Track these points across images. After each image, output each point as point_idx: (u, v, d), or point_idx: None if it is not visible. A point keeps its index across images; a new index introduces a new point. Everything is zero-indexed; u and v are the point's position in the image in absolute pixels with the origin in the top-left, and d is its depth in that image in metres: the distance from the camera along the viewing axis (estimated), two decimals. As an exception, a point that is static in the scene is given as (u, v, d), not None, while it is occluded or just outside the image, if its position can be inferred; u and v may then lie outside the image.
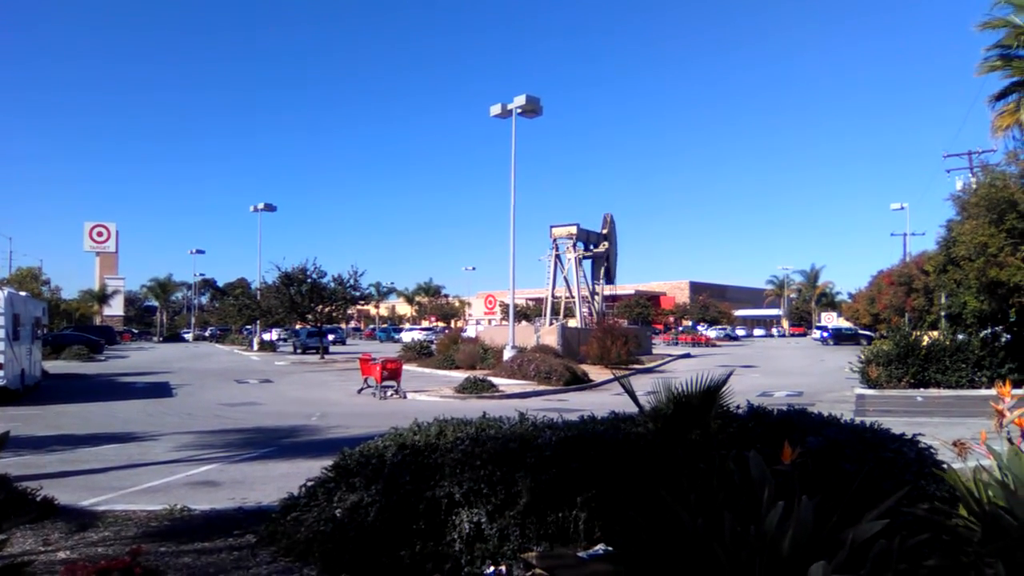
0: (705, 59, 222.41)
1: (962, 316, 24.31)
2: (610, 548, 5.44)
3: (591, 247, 50.28)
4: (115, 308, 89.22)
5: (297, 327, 57.01)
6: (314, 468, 7.36)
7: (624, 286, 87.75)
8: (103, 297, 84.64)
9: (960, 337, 24.73)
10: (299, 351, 53.64)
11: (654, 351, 50.53)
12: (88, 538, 6.79)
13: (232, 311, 63.81)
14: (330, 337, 59.39)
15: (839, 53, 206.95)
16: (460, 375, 28.12)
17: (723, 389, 5.71)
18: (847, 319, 76.31)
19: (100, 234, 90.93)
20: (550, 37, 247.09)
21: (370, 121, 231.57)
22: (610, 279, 52.97)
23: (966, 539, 3.86)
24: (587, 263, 51.30)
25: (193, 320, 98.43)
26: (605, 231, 51.66)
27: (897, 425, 6.57)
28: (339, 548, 5.70)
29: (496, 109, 31.25)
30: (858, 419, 6.44)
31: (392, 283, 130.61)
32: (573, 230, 47.81)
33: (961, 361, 23.41)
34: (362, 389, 24.41)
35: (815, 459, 4.99)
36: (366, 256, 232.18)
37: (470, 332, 51.84)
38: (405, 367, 26.76)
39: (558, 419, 7.03)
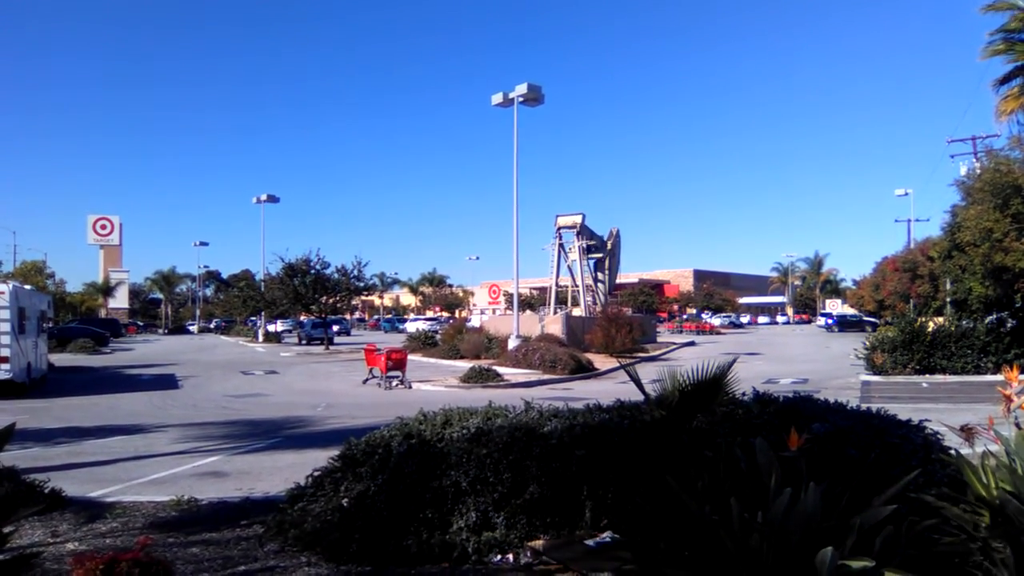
0: (708, 47, 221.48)
1: (967, 302, 24.21)
2: (617, 536, 5.45)
3: (594, 247, 49.95)
4: (120, 301, 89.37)
5: (302, 318, 57.02)
6: (320, 458, 7.37)
7: (628, 275, 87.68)
8: (107, 290, 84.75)
9: (965, 323, 24.65)
10: (304, 342, 53.69)
11: (658, 339, 50.49)
12: (96, 529, 6.83)
13: (236, 303, 63.87)
14: (335, 328, 59.40)
15: (843, 40, 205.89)
16: (465, 364, 28.13)
17: (728, 376, 5.70)
18: (852, 306, 76.14)
19: (104, 227, 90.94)
20: (554, 28, 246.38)
21: (372, 112, 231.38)
22: (609, 291, 52.49)
23: (974, 524, 3.86)
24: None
25: (198, 312, 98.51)
26: (610, 242, 51.07)
27: (903, 411, 6.55)
28: (346, 538, 5.72)
29: (498, 98, 31.10)
30: (864, 405, 6.43)
31: (396, 273, 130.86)
32: (578, 219, 47.57)
33: (967, 347, 23.35)
34: (367, 379, 24.44)
35: (822, 445, 4.99)
36: (370, 247, 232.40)
37: (474, 322, 51.82)
38: (410, 357, 26.79)
39: (564, 408, 7.03)
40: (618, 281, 59.46)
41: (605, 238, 50.96)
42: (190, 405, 19.18)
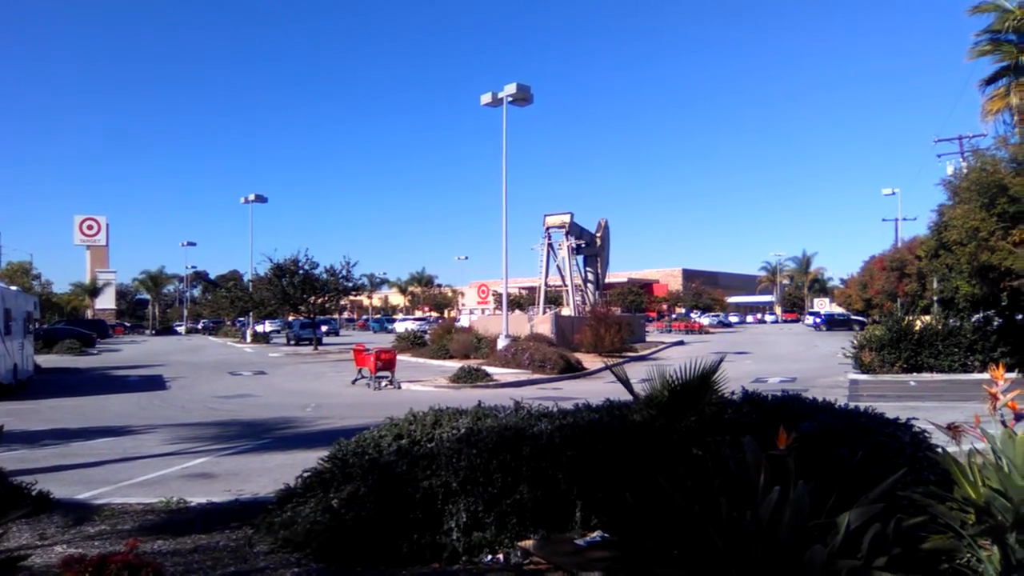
0: (697, 47, 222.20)
1: (954, 300, 24.38)
2: (607, 535, 5.46)
3: (583, 245, 49.95)
4: (107, 302, 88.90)
5: (290, 319, 56.81)
6: (310, 459, 7.35)
7: (617, 274, 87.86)
8: (94, 291, 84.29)
9: (952, 321, 24.81)
10: (292, 343, 53.47)
11: (647, 339, 50.57)
12: (85, 532, 6.78)
13: (225, 303, 63.55)
14: (323, 328, 59.19)
15: (830, 40, 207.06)
16: (454, 364, 28.12)
17: (717, 375, 5.73)
18: (839, 305, 76.47)
19: (90, 227, 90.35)
20: (544, 28, 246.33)
21: (361, 112, 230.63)
22: (599, 285, 52.51)
23: (961, 522, 3.89)
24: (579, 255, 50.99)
25: (185, 313, 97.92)
26: (599, 235, 51.05)
27: (891, 410, 6.59)
28: (336, 539, 5.70)
29: (487, 98, 31.08)
30: (852, 404, 6.47)
31: (385, 273, 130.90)
32: (567, 219, 47.63)
33: (954, 345, 23.51)
34: (356, 380, 24.39)
35: (810, 444, 5.02)
36: (358, 246, 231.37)
37: (464, 322, 51.80)
38: (399, 357, 26.73)
39: (553, 407, 7.04)
40: (607, 280, 59.52)
41: (594, 231, 51.01)
42: (178, 406, 19.08)
